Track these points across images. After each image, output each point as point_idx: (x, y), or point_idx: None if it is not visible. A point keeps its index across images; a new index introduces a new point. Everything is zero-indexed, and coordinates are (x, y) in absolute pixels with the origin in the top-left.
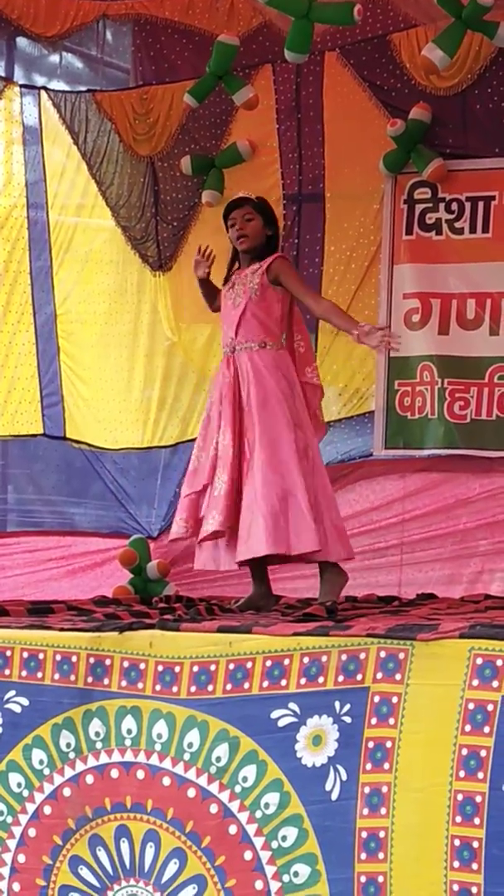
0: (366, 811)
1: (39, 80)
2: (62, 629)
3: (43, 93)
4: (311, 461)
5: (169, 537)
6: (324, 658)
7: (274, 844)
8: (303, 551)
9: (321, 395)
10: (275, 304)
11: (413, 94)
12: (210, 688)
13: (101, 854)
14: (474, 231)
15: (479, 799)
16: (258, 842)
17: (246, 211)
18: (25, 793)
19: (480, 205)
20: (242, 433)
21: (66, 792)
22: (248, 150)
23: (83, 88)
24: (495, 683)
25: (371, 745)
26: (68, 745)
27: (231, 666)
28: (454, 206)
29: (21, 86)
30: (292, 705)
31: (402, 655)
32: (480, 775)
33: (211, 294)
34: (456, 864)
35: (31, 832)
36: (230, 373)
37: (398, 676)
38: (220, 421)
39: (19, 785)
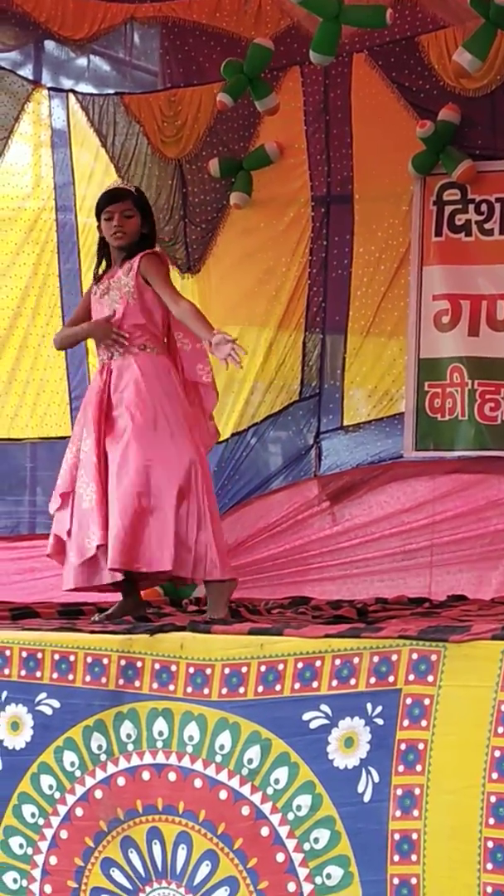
0: (398, 813)
1: (67, 83)
2: (93, 631)
3: (71, 96)
4: (191, 475)
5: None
6: (355, 660)
7: (306, 846)
8: (156, 569)
9: (215, 396)
10: (155, 307)
11: (442, 96)
12: (241, 690)
13: (133, 856)
14: None
15: None
16: (290, 843)
17: (126, 206)
18: (57, 795)
19: None
20: (107, 441)
21: (98, 794)
22: (276, 152)
23: (111, 91)
24: None
25: (403, 747)
26: (100, 748)
27: (262, 668)
28: (483, 207)
29: (49, 89)
30: (324, 707)
31: (434, 657)
32: None
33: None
34: (489, 866)
35: (63, 834)
36: (101, 379)
37: (430, 678)
38: (84, 428)
39: (51, 787)
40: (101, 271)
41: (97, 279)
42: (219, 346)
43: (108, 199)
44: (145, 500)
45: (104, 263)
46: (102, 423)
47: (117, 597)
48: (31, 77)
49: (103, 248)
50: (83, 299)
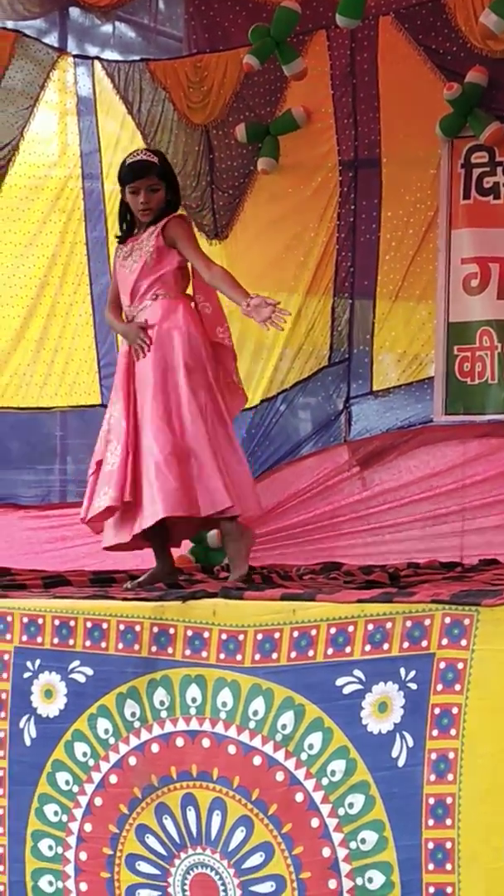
0: (433, 777)
1: (93, 51)
2: (125, 599)
3: (96, 63)
4: (211, 419)
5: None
6: (388, 625)
7: (341, 811)
8: (214, 510)
9: (234, 358)
10: (170, 259)
11: (469, 58)
12: (274, 656)
13: (168, 822)
14: None
15: None
16: (325, 809)
17: (151, 181)
18: (91, 762)
19: None
20: (136, 403)
21: (132, 761)
22: (304, 117)
23: (136, 58)
24: None
25: (437, 711)
26: (133, 715)
27: (295, 633)
28: None
29: (74, 56)
30: (357, 672)
31: (467, 621)
32: None
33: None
34: None
35: (98, 801)
36: (126, 344)
37: (463, 642)
38: (114, 393)
39: (85, 754)
40: (122, 234)
41: (120, 241)
42: (258, 308)
43: (133, 174)
44: (181, 449)
45: (125, 226)
46: (130, 386)
47: (150, 564)
48: (56, 45)
49: (125, 211)
50: (113, 269)
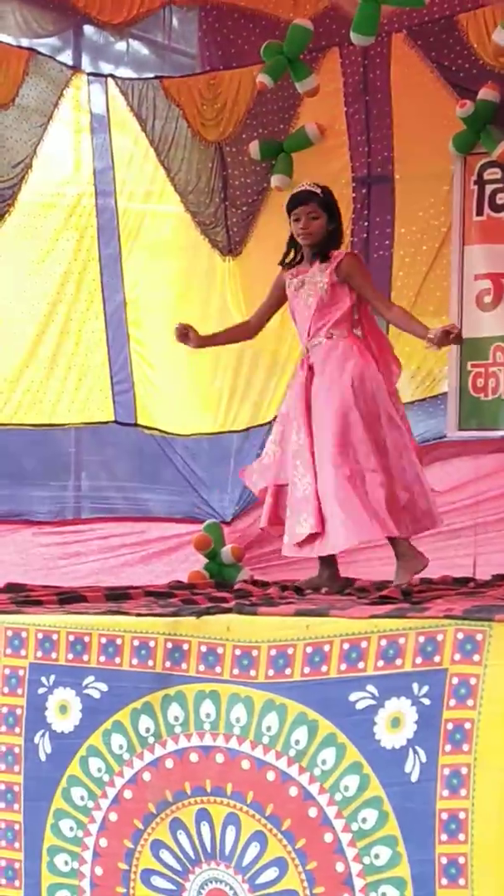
0: (446, 793)
1: (106, 68)
2: (139, 614)
3: (110, 80)
4: (389, 438)
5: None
6: (401, 640)
7: (354, 827)
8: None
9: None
10: (344, 299)
11: (481, 75)
12: (288, 671)
13: (183, 838)
14: None
15: None
16: (338, 824)
17: (311, 209)
18: (106, 777)
19: None
20: (312, 428)
21: (146, 776)
22: (317, 134)
23: (150, 75)
24: None
25: (450, 726)
26: (147, 730)
27: (309, 649)
28: None
29: (88, 74)
30: (370, 688)
31: (479, 637)
32: None
33: (228, 336)
34: None
35: (113, 817)
36: (304, 371)
37: (476, 658)
38: (294, 416)
39: (99, 770)
40: (288, 261)
41: (285, 267)
42: (441, 339)
43: (295, 202)
44: (355, 471)
45: (292, 254)
46: (309, 415)
47: (162, 581)
48: (70, 63)
49: (295, 243)
50: (273, 286)
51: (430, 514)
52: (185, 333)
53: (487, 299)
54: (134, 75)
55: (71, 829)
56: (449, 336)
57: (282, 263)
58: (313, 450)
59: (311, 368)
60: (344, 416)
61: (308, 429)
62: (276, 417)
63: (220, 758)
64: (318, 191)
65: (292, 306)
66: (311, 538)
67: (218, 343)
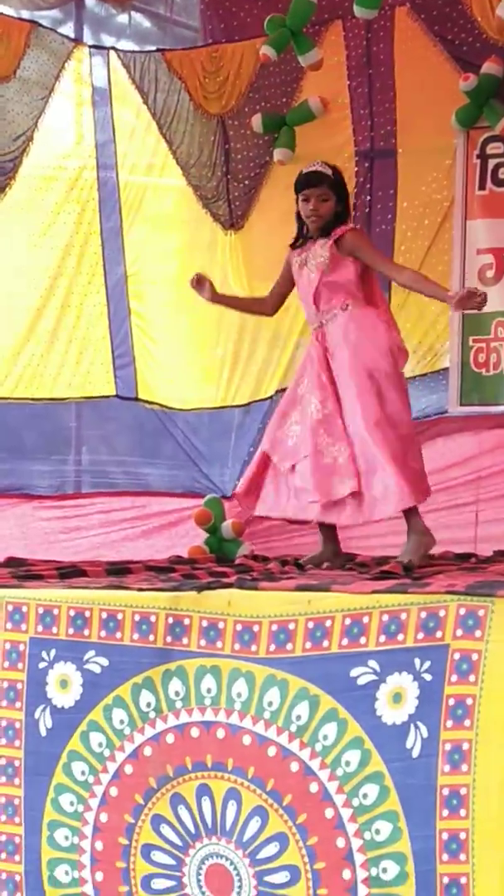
0: (447, 768)
1: (108, 41)
2: (140, 589)
3: (112, 53)
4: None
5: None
6: (403, 615)
7: (355, 802)
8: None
9: (405, 358)
10: (349, 271)
11: (485, 49)
12: (289, 646)
13: (183, 813)
14: None
15: None
16: (339, 799)
17: (322, 192)
18: (107, 752)
19: None
20: (339, 397)
21: (147, 751)
22: (320, 107)
23: (152, 48)
24: None
25: (452, 702)
26: (148, 705)
27: (310, 624)
28: None
29: (90, 47)
30: (372, 663)
31: (481, 612)
32: None
33: (243, 304)
34: None
35: (113, 791)
36: (319, 344)
37: (478, 633)
38: (315, 389)
39: (100, 745)
40: (296, 241)
41: (293, 247)
42: (464, 301)
43: (306, 183)
44: (396, 440)
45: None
46: (332, 385)
47: (162, 555)
48: (71, 35)
49: (302, 222)
50: (284, 267)
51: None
52: (202, 283)
53: (489, 274)
54: (136, 48)
55: (71, 803)
56: (473, 298)
57: (293, 245)
58: (343, 417)
59: (324, 342)
60: (378, 382)
61: (335, 398)
62: (276, 392)
63: (220, 733)
64: (330, 172)
65: (297, 284)
66: (341, 504)
67: (231, 306)
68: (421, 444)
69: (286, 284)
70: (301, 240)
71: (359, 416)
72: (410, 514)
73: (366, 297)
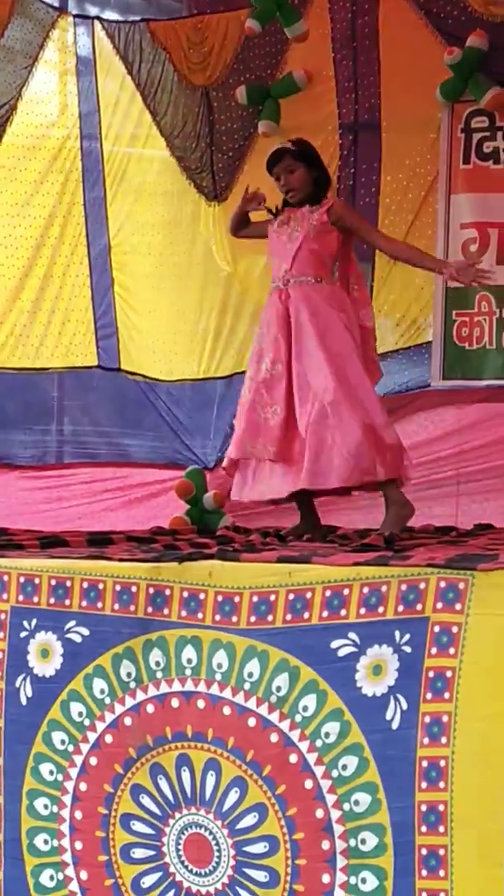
0: (426, 740)
1: (93, 10)
2: (122, 559)
3: (96, 23)
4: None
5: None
6: (383, 588)
7: (334, 773)
8: (387, 477)
9: (374, 339)
10: (332, 242)
11: (470, 22)
12: (270, 618)
13: (163, 783)
14: None
15: None
16: (318, 770)
17: (286, 164)
18: (87, 722)
19: None
20: (297, 363)
21: (128, 721)
22: (304, 80)
23: (137, 18)
24: None
25: (431, 674)
26: (129, 675)
27: (291, 596)
28: None
29: (74, 16)
30: (352, 635)
31: (462, 585)
32: None
33: (241, 222)
34: None
35: (93, 761)
36: (282, 305)
37: (458, 606)
38: (269, 349)
39: (80, 714)
40: (276, 211)
41: (274, 214)
42: (463, 272)
43: (270, 164)
44: (360, 416)
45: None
46: (289, 348)
47: (143, 526)
48: (56, 4)
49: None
50: (260, 224)
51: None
52: (256, 198)
53: (473, 248)
54: (120, 18)
55: (51, 772)
56: (469, 270)
57: (275, 214)
58: (290, 383)
59: (289, 301)
60: (342, 357)
61: (287, 363)
62: None
63: (201, 703)
64: (289, 145)
65: (272, 243)
66: (275, 474)
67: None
68: (402, 417)
69: (254, 233)
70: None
71: (325, 392)
72: (387, 486)
73: (341, 275)
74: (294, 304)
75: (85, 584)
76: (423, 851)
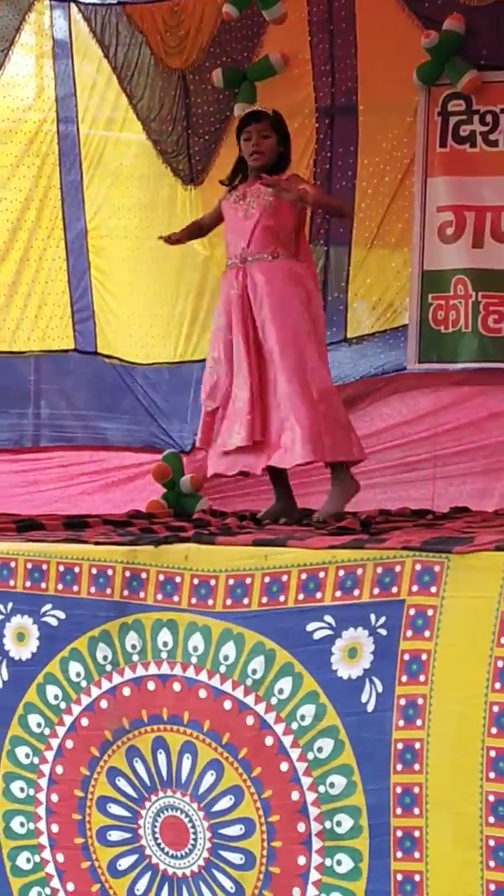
0: (401, 723)
1: None
2: (98, 543)
3: (73, 6)
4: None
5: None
6: (359, 571)
7: (310, 756)
8: (339, 459)
9: (324, 322)
10: (288, 217)
11: (446, 5)
12: (246, 601)
13: (139, 765)
14: None
15: None
16: (294, 753)
17: (262, 127)
18: (63, 705)
19: None
20: (258, 342)
21: (103, 704)
22: (281, 63)
23: (113, 1)
24: None
25: (407, 657)
26: (105, 658)
27: (267, 579)
28: (489, 117)
29: None
30: (328, 618)
31: (437, 568)
32: None
33: (194, 234)
34: (492, 774)
35: (69, 744)
36: (240, 283)
37: (434, 589)
38: (235, 328)
39: (56, 697)
40: (230, 182)
41: (230, 189)
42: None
43: (247, 120)
44: (313, 395)
45: (239, 177)
46: (251, 327)
47: (120, 510)
48: None
49: (240, 164)
50: (213, 209)
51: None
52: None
53: (449, 231)
54: (97, 1)
55: (27, 755)
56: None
57: (227, 183)
58: (255, 362)
59: (247, 280)
60: (299, 336)
61: (246, 341)
62: None
63: (177, 686)
64: (270, 111)
65: (229, 218)
66: (244, 451)
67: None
68: (378, 400)
69: (211, 222)
70: (238, 180)
71: (279, 369)
72: (336, 465)
73: (295, 253)
74: (252, 283)
75: (61, 568)
76: (399, 833)
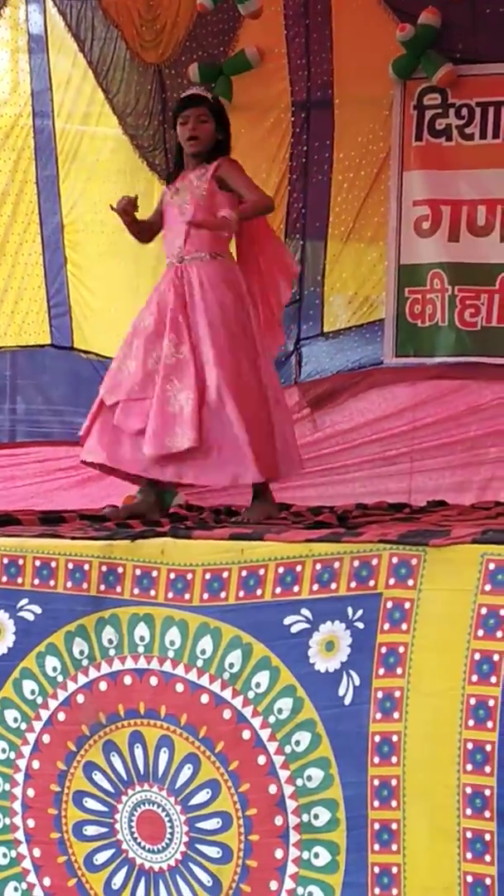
0: (379, 716)
1: None
2: (74, 538)
3: (48, 0)
4: (264, 375)
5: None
6: (336, 564)
7: (287, 749)
8: (261, 479)
9: (290, 290)
10: (223, 205)
11: None
12: (223, 595)
13: (116, 760)
14: (485, 137)
15: (491, 703)
16: (272, 746)
17: (201, 112)
18: (39, 700)
19: (491, 110)
20: (196, 345)
21: (80, 699)
22: (257, 57)
23: None
24: None
25: (384, 650)
26: (81, 653)
27: (244, 573)
28: (464, 111)
29: None
30: (305, 611)
31: (414, 561)
32: (493, 679)
33: (141, 230)
34: (469, 767)
35: (46, 738)
36: (178, 282)
37: (410, 582)
38: (168, 331)
39: (33, 692)
40: (171, 174)
41: (169, 183)
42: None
43: (184, 104)
44: (251, 411)
45: (176, 168)
46: (188, 329)
47: (97, 505)
48: None
49: (179, 154)
50: (155, 209)
51: (293, 460)
52: (128, 210)
53: (425, 225)
54: None
55: (3, 751)
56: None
57: (167, 178)
58: (198, 364)
59: (184, 280)
60: (235, 339)
61: (191, 344)
62: None
63: (153, 680)
64: (210, 96)
65: (166, 213)
66: (179, 458)
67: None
68: (355, 394)
69: (159, 219)
70: (176, 171)
71: (219, 378)
72: (258, 486)
73: (247, 242)
74: (189, 284)
75: (37, 563)
76: (376, 826)
